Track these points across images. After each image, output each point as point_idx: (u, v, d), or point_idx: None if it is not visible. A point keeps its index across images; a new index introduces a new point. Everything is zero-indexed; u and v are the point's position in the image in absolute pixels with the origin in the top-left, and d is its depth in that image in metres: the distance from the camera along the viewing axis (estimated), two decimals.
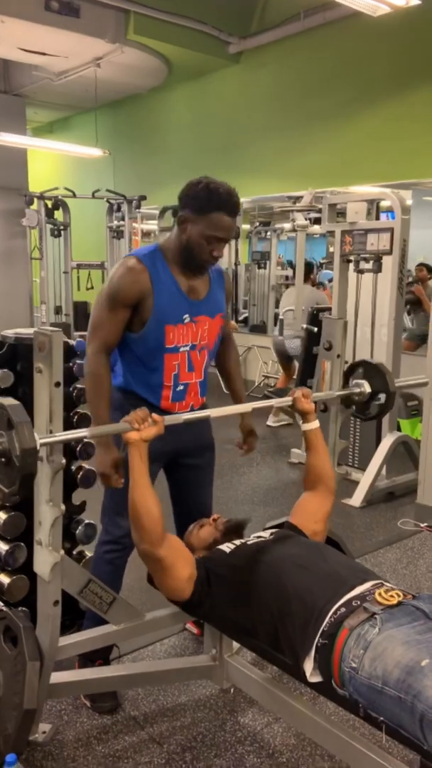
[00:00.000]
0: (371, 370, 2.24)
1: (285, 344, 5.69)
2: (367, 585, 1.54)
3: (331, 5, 5.38)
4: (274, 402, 2.34)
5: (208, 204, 1.93)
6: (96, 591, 1.85)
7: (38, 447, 1.49)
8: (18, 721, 1.74)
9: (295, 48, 6.55)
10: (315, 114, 6.48)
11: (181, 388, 2.11)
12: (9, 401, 1.49)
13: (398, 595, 1.47)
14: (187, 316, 2.06)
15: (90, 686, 2.07)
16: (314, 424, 2.07)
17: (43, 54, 6.97)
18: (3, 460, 1.50)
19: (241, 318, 8.93)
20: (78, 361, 2.30)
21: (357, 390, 2.23)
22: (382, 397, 2.21)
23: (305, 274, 5.80)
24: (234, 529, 1.96)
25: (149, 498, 1.70)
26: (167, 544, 1.72)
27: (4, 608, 1.94)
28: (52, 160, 10.31)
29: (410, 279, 6.77)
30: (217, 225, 1.96)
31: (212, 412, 1.96)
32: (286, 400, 2.11)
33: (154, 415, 1.73)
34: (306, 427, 2.07)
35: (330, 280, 8.47)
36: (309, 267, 6.04)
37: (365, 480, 4.03)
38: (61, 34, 6.25)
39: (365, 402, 2.25)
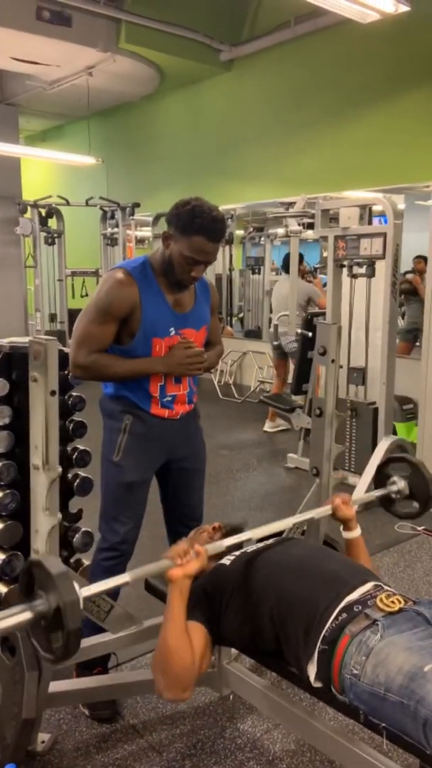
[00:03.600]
0: (410, 469, 2.16)
1: (282, 342, 5.65)
2: (368, 586, 1.54)
3: (322, 12, 5.41)
4: (315, 513, 2.00)
5: (190, 226, 1.94)
6: (94, 599, 1.84)
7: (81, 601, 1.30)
8: (17, 731, 1.73)
9: (286, 55, 6.59)
10: (307, 120, 6.51)
11: (168, 398, 2.14)
12: (48, 561, 1.31)
13: (399, 601, 1.47)
14: (172, 329, 2.08)
15: (89, 695, 2.06)
16: (356, 532, 1.94)
17: (36, 63, 7.00)
18: (43, 623, 1.30)
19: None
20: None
21: (395, 489, 2.17)
22: (416, 504, 2.12)
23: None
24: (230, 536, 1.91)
25: (186, 644, 1.52)
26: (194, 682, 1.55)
27: None
28: (46, 168, 10.33)
29: (407, 270, 6.72)
30: (197, 248, 1.96)
31: (253, 534, 1.77)
32: (325, 510, 1.96)
33: (197, 547, 1.60)
34: (348, 535, 1.94)
35: (324, 285, 8.47)
36: (299, 258, 5.80)
37: (362, 483, 4.02)
38: (53, 44, 6.28)
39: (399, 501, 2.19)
